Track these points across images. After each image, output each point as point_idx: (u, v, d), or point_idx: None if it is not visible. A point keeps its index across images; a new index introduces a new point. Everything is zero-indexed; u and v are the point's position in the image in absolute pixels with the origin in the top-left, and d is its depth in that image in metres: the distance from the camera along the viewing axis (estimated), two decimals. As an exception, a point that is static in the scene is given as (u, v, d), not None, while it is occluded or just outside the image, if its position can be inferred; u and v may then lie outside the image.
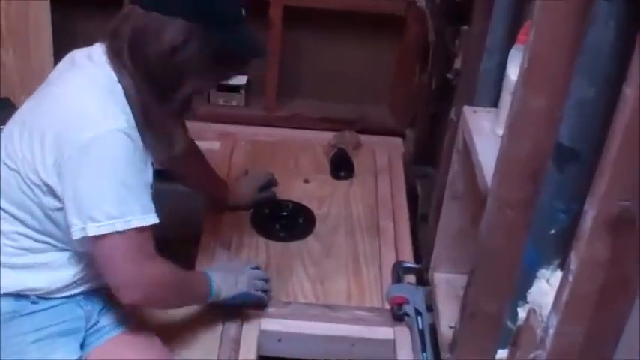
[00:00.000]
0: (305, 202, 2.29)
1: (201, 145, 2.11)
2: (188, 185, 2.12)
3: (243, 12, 1.56)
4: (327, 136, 2.57)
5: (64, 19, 2.47)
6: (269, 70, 2.62)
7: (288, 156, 2.51)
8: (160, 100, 1.54)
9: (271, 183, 2.31)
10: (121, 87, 1.53)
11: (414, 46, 2.52)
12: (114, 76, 1.53)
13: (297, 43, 2.65)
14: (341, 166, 2.45)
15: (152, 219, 1.53)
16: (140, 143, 1.54)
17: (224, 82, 2.26)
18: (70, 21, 2.53)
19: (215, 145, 2.48)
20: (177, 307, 1.82)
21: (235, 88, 2.67)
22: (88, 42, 1.63)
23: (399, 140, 2.63)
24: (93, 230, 1.48)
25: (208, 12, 1.50)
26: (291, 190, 2.34)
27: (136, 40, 1.51)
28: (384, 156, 2.55)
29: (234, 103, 2.69)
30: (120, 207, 1.48)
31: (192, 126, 1.94)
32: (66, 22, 2.49)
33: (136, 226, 1.50)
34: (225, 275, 1.79)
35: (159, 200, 1.79)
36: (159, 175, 1.78)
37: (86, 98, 1.52)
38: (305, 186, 2.38)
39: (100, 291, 1.68)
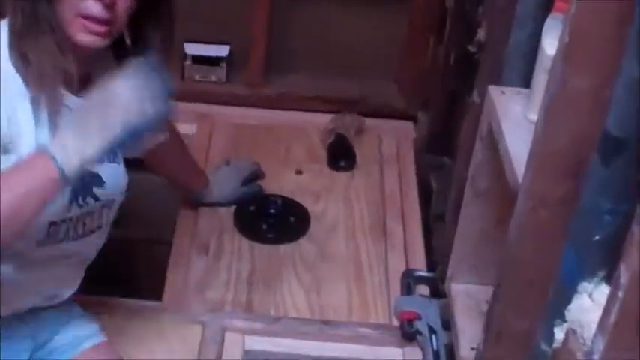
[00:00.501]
0: (297, 198, 2.29)
1: (175, 128, 2.10)
2: (162, 175, 2.12)
3: None
4: (324, 119, 2.57)
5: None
6: (255, 40, 2.61)
7: (278, 142, 2.50)
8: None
9: (257, 174, 2.31)
10: None
11: (427, 11, 2.51)
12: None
13: (288, 8, 2.63)
14: (340, 155, 2.45)
15: None
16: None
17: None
18: None
19: (190, 129, 2.47)
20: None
21: (215, 61, 2.65)
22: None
23: (409, 124, 2.63)
24: None
25: None
26: (281, 183, 2.34)
27: None
28: (391, 143, 2.54)
29: (213, 78, 2.68)
30: None
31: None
32: None
33: None
34: (81, 123, 1.39)
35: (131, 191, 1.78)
36: (127, 162, 1.77)
37: None
38: (297, 178, 2.38)
39: (54, 305, 1.67)
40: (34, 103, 1.49)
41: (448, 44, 2.30)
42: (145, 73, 1.40)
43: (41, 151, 1.37)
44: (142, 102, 1.36)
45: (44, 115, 1.50)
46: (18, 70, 1.48)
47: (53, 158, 1.35)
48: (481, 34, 1.91)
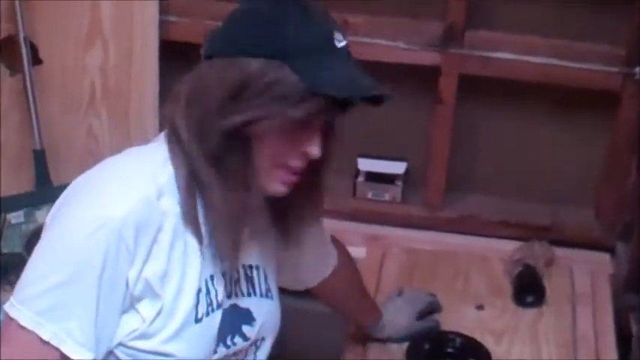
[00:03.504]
0: (477, 336, 2.25)
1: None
2: (329, 305, 2.12)
3: (338, 42, 1.51)
4: (510, 247, 2.57)
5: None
6: (435, 157, 2.65)
7: (457, 271, 2.52)
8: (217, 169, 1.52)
9: (433, 308, 2.31)
10: (171, 168, 1.55)
11: (630, 132, 2.50)
12: (164, 155, 1.56)
13: (473, 124, 2.67)
14: (527, 289, 2.43)
15: (68, 347, 1.46)
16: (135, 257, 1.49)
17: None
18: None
19: (360, 252, 2.50)
20: None
21: (390, 179, 2.70)
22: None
23: (605, 257, 2.60)
24: (7, 306, 1.48)
25: (280, 43, 1.48)
26: (460, 319, 2.32)
27: (191, 95, 1.54)
28: (585, 277, 2.52)
29: (387, 197, 2.72)
30: (40, 300, 1.46)
31: (331, 225, 1.96)
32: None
33: (41, 335, 1.45)
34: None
35: (289, 322, 1.81)
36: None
37: (106, 175, 1.55)
38: (478, 313, 2.36)
39: None
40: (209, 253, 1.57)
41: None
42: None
43: None
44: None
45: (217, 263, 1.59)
46: (189, 219, 1.54)
47: None
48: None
